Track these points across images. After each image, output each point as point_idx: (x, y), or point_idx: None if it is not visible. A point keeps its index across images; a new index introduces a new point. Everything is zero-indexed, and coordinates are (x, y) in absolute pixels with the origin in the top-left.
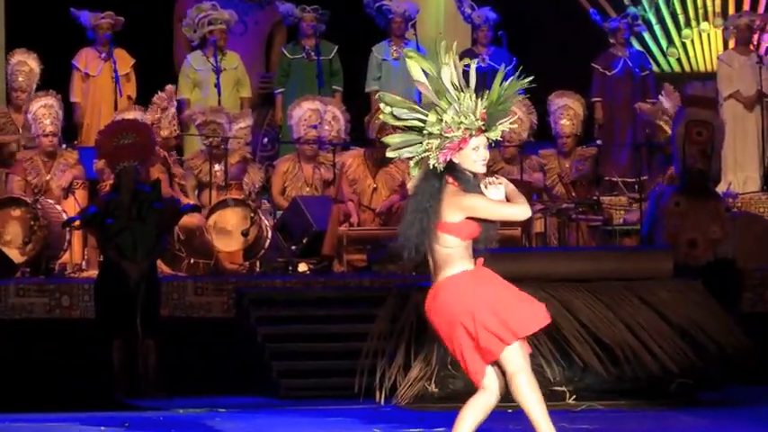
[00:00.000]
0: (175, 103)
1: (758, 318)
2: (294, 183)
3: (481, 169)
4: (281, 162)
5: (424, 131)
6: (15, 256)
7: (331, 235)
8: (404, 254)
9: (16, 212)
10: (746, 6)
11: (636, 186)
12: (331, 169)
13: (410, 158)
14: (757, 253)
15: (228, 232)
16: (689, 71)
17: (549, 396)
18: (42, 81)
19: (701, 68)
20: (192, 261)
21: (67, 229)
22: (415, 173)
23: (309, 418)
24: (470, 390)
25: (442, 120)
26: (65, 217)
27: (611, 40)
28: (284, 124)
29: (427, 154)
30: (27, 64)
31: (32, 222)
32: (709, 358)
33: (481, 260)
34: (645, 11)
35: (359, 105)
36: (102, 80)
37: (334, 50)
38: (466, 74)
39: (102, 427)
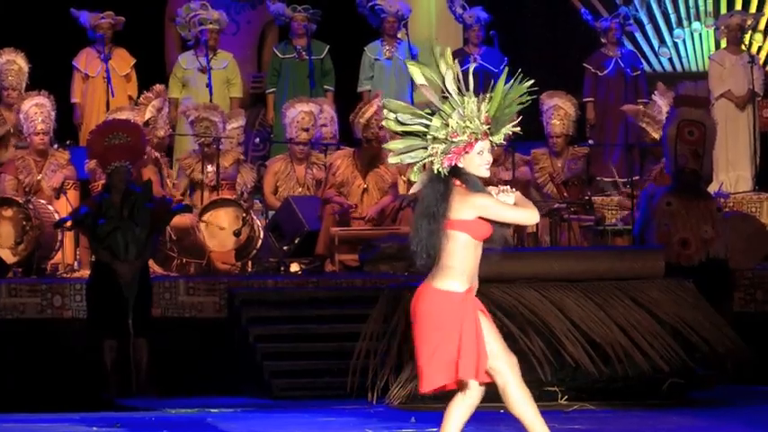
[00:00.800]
0: (167, 102)
1: (749, 317)
2: (287, 183)
3: (485, 173)
4: (274, 162)
5: (428, 136)
6: (7, 256)
7: (325, 235)
8: (417, 261)
9: (8, 213)
10: (738, 6)
11: (628, 186)
12: (323, 169)
13: (412, 164)
14: (749, 253)
15: (220, 232)
16: (681, 71)
17: (541, 396)
18: (38, 80)
19: (693, 68)
20: (183, 261)
21: (59, 229)
22: (416, 178)
23: (301, 418)
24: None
25: (447, 124)
26: (57, 217)
27: (603, 40)
28: (276, 124)
29: (431, 159)
30: (16, 63)
31: (24, 223)
32: (701, 358)
33: (475, 286)
34: (636, 10)
35: (351, 105)
36: (102, 81)
37: (326, 50)
38: (464, 76)
39: (94, 428)
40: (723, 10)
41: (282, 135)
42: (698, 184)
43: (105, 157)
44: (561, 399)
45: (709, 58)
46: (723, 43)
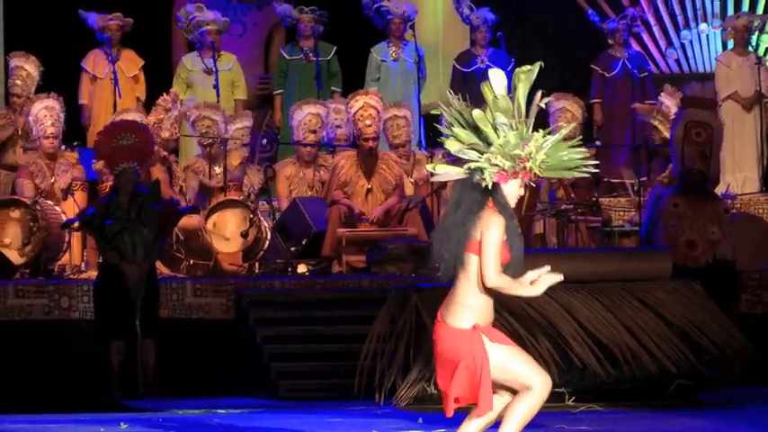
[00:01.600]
0: (178, 106)
1: (756, 319)
2: (299, 186)
3: (513, 204)
4: (283, 166)
5: (495, 146)
6: (14, 257)
7: (331, 236)
8: (441, 269)
9: (15, 214)
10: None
11: (635, 187)
12: (330, 171)
13: (460, 160)
14: (756, 254)
15: (228, 234)
16: (688, 72)
17: (549, 397)
18: (47, 81)
19: (700, 69)
20: (191, 262)
21: (66, 230)
22: (440, 169)
23: (308, 419)
24: None
25: (525, 147)
26: (64, 218)
27: (610, 41)
28: (283, 125)
29: (482, 167)
30: (24, 69)
31: (32, 224)
32: (708, 359)
33: (486, 323)
34: (643, 11)
35: None
36: (109, 82)
37: (333, 51)
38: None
39: (102, 428)
40: (730, 11)
41: (289, 136)
42: (705, 185)
43: (113, 158)
44: (569, 400)
45: (715, 59)
46: (730, 44)
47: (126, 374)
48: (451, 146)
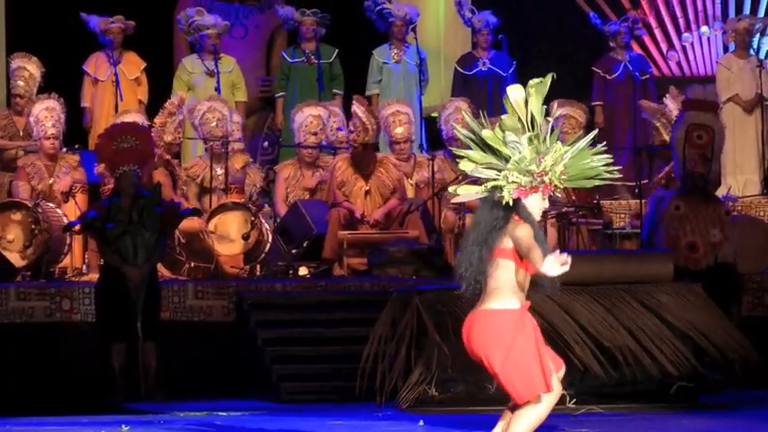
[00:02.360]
0: (184, 111)
1: (757, 321)
2: (296, 188)
3: (538, 217)
4: (283, 168)
5: (513, 162)
6: (16, 259)
7: (331, 238)
8: (463, 286)
9: (17, 216)
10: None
11: (636, 190)
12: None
13: (477, 180)
14: (757, 256)
15: (229, 236)
16: (689, 75)
17: None
18: (49, 84)
19: (702, 72)
20: (192, 265)
21: (68, 233)
22: (462, 191)
23: (310, 421)
24: (471, 393)
25: (541, 162)
26: (65, 221)
27: (612, 44)
28: (285, 128)
29: (500, 184)
30: (26, 69)
31: (33, 226)
32: (710, 362)
33: (528, 303)
34: (645, 14)
35: None
36: (111, 85)
37: (335, 54)
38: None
39: (103, 431)
40: (731, 14)
41: (291, 139)
42: (706, 187)
43: (114, 161)
44: (569, 402)
45: (716, 62)
46: (731, 47)
47: (127, 377)
48: (466, 166)
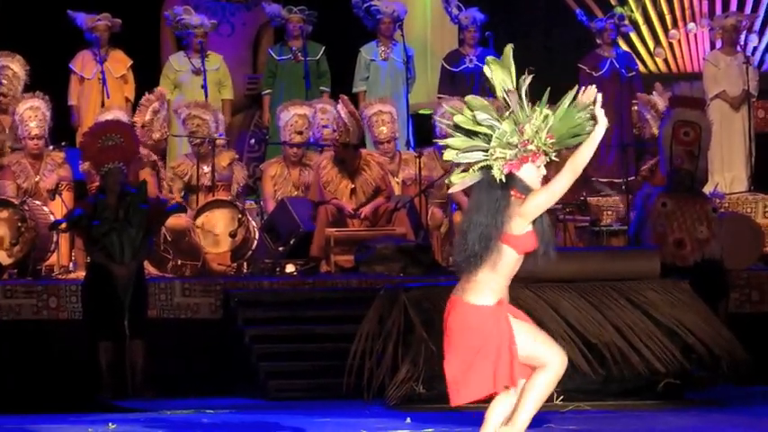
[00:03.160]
0: (166, 105)
1: (745, 318)
2: (284, 186)
3: (538, 186)
4: (269, 166)
5: (494, 140)
6: (2, 257)
7: (319, 236)
8: (467, 267)
9: (3, 214)
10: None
11: (623, 187)
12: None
13: (464, 164)
14: (744, 253)
15: (216, 233)
16: (676, 72)
17: None
18: (36, 82)
19: (688, 69)
20: (179, 262)
21: (54, 231)
22: (458, 179)
23: (297, 419)
24: None
25: (521, 132)
26: (52, 218)
27: (598, 41)
28: (272, 125)
29: (487, 162)
30: (10, 68)
31: (20, 224)
32: (697, 359)
33: (503, 300)
34: (632, 11)
35: None
36: (97, 82)
37: (322, 51)
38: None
39: (90, 428)
40: (719, 11)
41: (278, 137)
42: (693, 184)
43: (98, 158)
44: (557, 399)
45: (703, 58)
46: (718, 44)
47: (114, 375)
48: (449, 155)
